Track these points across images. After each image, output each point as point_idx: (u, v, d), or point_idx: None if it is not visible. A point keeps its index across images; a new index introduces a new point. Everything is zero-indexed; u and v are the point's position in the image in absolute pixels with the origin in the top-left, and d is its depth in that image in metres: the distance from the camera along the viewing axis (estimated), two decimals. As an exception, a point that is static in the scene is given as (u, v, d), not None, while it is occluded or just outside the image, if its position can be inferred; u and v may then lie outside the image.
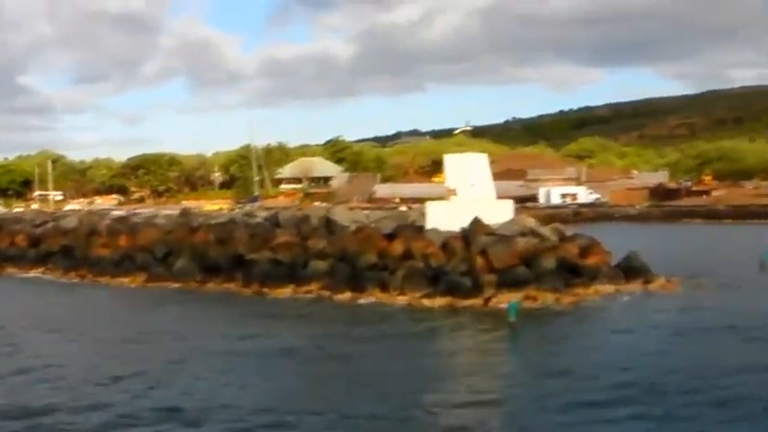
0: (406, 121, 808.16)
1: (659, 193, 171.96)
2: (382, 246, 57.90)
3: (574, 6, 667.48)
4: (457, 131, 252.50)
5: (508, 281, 51.62)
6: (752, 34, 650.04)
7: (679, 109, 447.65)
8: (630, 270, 57.65)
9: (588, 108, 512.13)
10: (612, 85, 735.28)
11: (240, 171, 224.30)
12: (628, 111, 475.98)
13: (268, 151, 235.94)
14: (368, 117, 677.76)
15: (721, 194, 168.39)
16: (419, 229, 58.52)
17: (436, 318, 47.31)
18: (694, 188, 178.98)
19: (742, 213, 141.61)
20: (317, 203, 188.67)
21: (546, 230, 56.65)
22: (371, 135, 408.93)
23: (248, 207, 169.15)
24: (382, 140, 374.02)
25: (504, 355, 38.33)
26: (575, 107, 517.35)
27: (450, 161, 63.58)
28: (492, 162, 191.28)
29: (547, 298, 50.76)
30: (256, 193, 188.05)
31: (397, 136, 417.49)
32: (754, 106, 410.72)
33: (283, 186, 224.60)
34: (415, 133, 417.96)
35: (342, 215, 65.55)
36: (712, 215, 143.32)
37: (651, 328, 43.20)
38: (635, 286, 55.81)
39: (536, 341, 40.89)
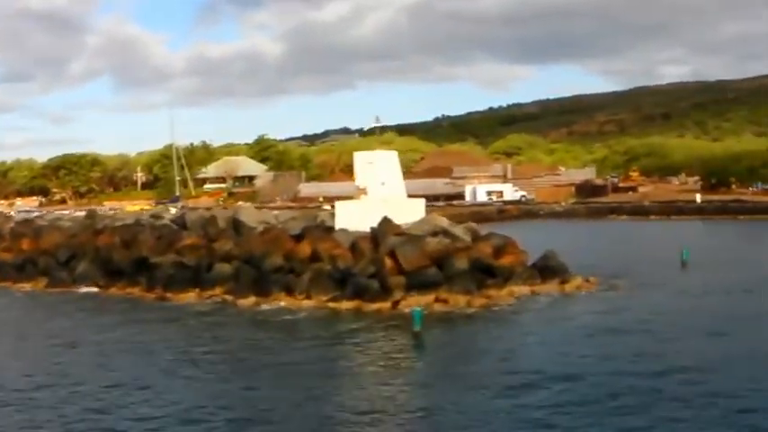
0: (336, 119, 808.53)
1: (585, 189, 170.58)
2: (289, 247, 55.36)
3: (502, 4, 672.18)
4: (367, 128, 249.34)
5: (418, 283, 49.26)
6: (680, 31, 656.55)
7: (608, 105, 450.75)
8: (547, 270, 55.50)
9: (517, 105, 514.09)
10: (541, 83, 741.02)
11: (163, 171, 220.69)
12: (557, 108, 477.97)
13: (191, 151, 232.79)
14: (297, 115, 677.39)
15: (648, 190, 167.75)
16: (328, 230, 56.09)
17: (341, 323, 44.83)
18: (621, 184, 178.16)
19: (668, 209, 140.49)
20: (240, 203, 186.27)
21: (458, 230, 54.35)
22: (300, 134, 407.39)
23: (171, 208, 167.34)
24: (311, 139, 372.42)
25: (406, 363, 35.81)
26: (504, 104, 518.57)
27: (360, 159, 60.96)
28: (419, 160, 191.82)
29: (458, 300, 48.47)
30: (177, 194, 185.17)
31: (327, 134, 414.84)
32: (682, 102, 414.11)
33: (207, 186, 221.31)
34: (344, 131, 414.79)
35: (249, 216, 62.95)
36: (638, 211, 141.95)
37: (560, 332, 41.20)
38: (551, 287, 53.73)
39: (441, 348, 38.44)
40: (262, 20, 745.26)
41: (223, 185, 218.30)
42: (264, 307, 50.36)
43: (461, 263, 50.86)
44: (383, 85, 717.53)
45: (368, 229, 53.57)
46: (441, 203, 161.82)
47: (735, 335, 39.76)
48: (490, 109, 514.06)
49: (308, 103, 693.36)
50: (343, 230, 54.82)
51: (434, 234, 52.82)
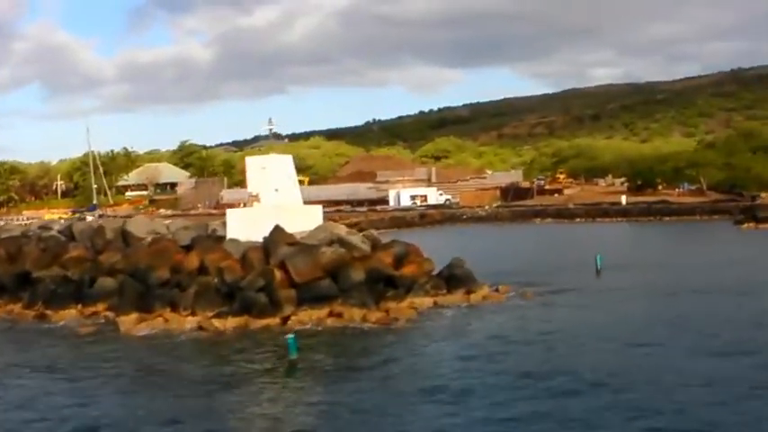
0: (267, 124, 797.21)
1: (511, 192, 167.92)
2: (177, 259, 51.36)
3: (432, 8, 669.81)
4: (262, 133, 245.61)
5: (310, 296, 45.71)
6: (609, 33, 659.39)
7: (538, 108, 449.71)
8: (453, 279, 52.19)
9: (448, 109, 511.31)
10: (472, 86, 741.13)
11: (83, 179, 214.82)
12: (487, 111, 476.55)
13: (112, 158, 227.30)
14: (228, 121, 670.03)
15: (573, 193, 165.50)
16: (219, 240, 52.22)
17: (216, 346, 40.94)
18: (547, 187, 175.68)
19: (593, 212, 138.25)
20: (161, 210, 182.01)
21: (356, 239, 50.67)
22: (231, 139, 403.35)
23: (88, 217, 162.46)
24: (241, 144, 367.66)
25: (275, 394, 32.13)
26: (435, 108, 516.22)
27: (252, 164, 57.01)
28: (344, 164, 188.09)
29: (354, 315, 44.93)
30: (95, 202, 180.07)
31: (257, 140, 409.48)
32: (610, 104, 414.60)
33: (129, 194, 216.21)
34: (275, 136, 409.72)
35: (139, 226, 58.82)
36: (563, 214, 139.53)
37: (455, 349, 38.14)
38: (456, 297, 50.36)
39: (317, 376, 34.46)
40: (192, 25, 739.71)
41: (144, 193, 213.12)
42: (142, 327, 46.16)
43: (358, 274, 47.27)
44: (314, 90, 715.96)
45: (260, 239, 49.80)
46: (363, 209, 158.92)
47: (636, 344, 37.11)
48: (421, 113, 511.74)
49: (239, 108, 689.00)
50: (234, 240, 50.98)
51: (330, 243, 49.13)
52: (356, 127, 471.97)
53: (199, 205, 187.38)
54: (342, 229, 51.70)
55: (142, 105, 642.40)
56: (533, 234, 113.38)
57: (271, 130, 61.42)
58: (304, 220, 52.19)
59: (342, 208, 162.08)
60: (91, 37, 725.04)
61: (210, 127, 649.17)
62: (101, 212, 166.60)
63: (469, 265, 55.18)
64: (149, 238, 55.37)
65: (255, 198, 54.77)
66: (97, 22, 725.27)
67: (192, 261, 50.22)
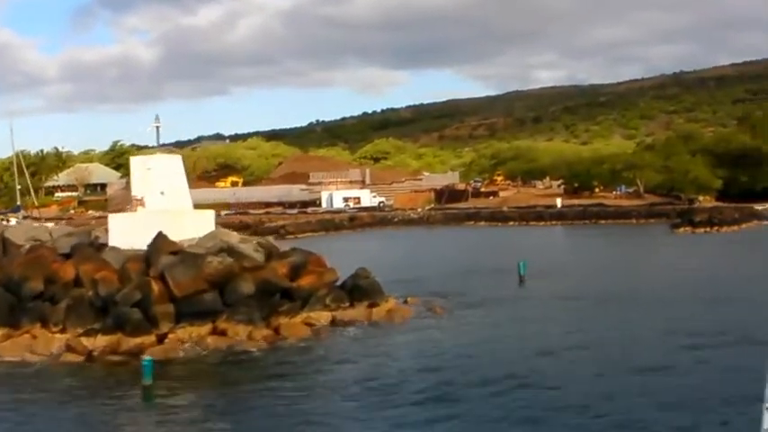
0: (210, 125, 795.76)
1: (445, 195, 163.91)
2: (53, 269, 46.37)
3: (377, 9, 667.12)
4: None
5: (191, 311, 40.97)
6: (554, 36, 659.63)
7: (481, 110, 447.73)
8: (357, 291, 47.68)
9: (392, 110, 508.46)
10: (417, 88, 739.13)
11: (13, 179, 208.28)
12: (431, 112, 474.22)
13: (42, 158, 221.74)
14: (171, 121, 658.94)
15: (508, 195, 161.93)
16: (101, 248, 47.45)
17: (69, 375, 36.08)
18: (483, 189, 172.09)
19: (527, 215, 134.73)
20: (91, 212, 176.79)
21: (248, 247, 46.06)
22: (174, 140, 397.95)
23: (12, 219, 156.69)
24: (184, 145, 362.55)
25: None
26: (378, 109, 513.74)
27: (136, 164, 52.22)
28: (278, 165, 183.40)
29: (239, 332, 40.48)
30: (18, 203, 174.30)
31: (199, 140, 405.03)
32: (553, 106, 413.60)
33: (59, 194, 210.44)
34: (218, 137, 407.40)
35: (19, 232, 54.00)
36: (496, 217, 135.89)
37: (336, 379, 33.55)
38: (358, 312, 45.76)
39: (173, 410, 30.01)
40: (136, 24, 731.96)
41: (74, 194, 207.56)
42: (6, 345, 41.29)
43: (246, 286, 42.74)
44: (258, 91, 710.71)
45: (144, 247, 45.14)
46: (294, 211, 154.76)
47: (550, 369, 33.11)
48: (364, 114, 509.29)
49: (182, 108, 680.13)
50: (115, 249, 46.21)
51: (220, 252, 44.58)
52: (299, 128, 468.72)
53: (128, 207, 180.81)
54: (233, 237, 47.15)
55: (85, 105, 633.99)
56: (463, 238, 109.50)
57: (158, 128, 56.33)
58: (194, 226, 47.53)
59: (271, 210, 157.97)
60: (34, 36, 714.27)
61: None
62: (25, 214, 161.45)
63: (385, 273, 52.22)
64: (27, 246, 50.42)
65: (140, 202, 50.06)
66: (41, 20, 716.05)
67: (68, 271, 45.27)
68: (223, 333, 40.65)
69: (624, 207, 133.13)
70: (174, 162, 51.84)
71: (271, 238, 54.75)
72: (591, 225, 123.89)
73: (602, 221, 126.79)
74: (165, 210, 48.33)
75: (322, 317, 44.13)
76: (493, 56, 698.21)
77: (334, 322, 44.23)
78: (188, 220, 48.06)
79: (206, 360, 37.26)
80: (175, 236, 45.49)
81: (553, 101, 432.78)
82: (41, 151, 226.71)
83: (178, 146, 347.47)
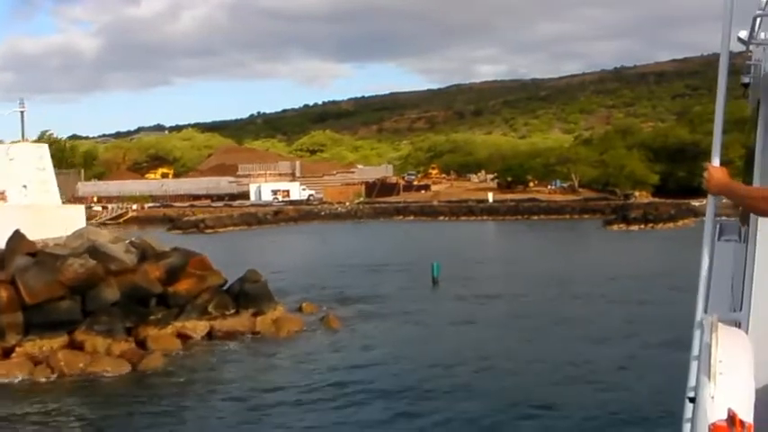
0: (151, 116, 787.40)
1: (376, 188, 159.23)
2: None
3: (320, 2, 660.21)
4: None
5: (44, 321, 36.00)
6: (497, 30, 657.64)
7: (422, 103, 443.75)
8: (244, 297, 42.87)
9: (333, 102, 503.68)
10: (360, 81, 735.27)
11: None
12: (372, 105, 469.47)
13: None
14: (111, 112, 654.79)
15: (440, 189, 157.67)
16: (-44, 248, 42.26)
17: None
18: (416, 182, 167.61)
19: (457, 210, 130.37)
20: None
21: (117, 248, 41.06)
22: (114, 131, 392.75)
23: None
24: (124, 136, 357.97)
25: None
26: (320, 101, 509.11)
27: (-3, 154, 47.06)
28: (207, 156, 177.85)
29: (97, 345, 35.57)
30: None
31: (139, 131, 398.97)
32: (493, 100, 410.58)
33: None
34: (158, 128, 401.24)
35: None
36: (426, 212, 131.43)
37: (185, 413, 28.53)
38: (240, 321, 40.89)
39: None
40: (78, 14, 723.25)
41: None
42: None
43: (110, 292, 37.83)
44: (200, 82, 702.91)
45: (3, 247, 40.12)
46: (219, 204, 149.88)
47: (455, 394, 28.64)
48: (305, 106, 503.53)
49: (124, 99, 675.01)
50: (-32, 249, 41.15)
51: (88, 253, 39.56)
52: (240, 120, 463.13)
53: None
54: (103, 236, 42.14)
55: (26, 95, 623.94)
56: (388, 233, 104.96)
57: (22, 113, 51.20)
58: (61, 223, 42.57)
59: (196, 203, 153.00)
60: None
61: (94, 118, 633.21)
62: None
63: (290, 274, 51.77)
64: None
65: (2, 196, 44.86)
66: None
67: None
68: (80, 346, 35.71)
69: (558, 202, 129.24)
70: (40, 152, 46.71)
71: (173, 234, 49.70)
72: (523, 221, 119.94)
73: (535, 217, 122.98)
74: (27, 205, 43.19)
75: (198, 327, 39.33)
76: (437, 50, 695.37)
77: (211, 334, 39.40)
78: (54, 217, 43.05)
79: (39, 388, 32.09)
80: (39, 234, 40.64)
81: (494, 95, 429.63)
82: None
83: (119, 137, 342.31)
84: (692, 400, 4.83)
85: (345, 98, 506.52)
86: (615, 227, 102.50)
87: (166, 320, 38.70)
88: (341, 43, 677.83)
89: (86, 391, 31.15)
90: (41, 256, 38.70)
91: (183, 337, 38.44)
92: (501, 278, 58.20)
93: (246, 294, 42.72)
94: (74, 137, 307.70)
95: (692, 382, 5.05)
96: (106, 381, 32.62)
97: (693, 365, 5.14)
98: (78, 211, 45.00)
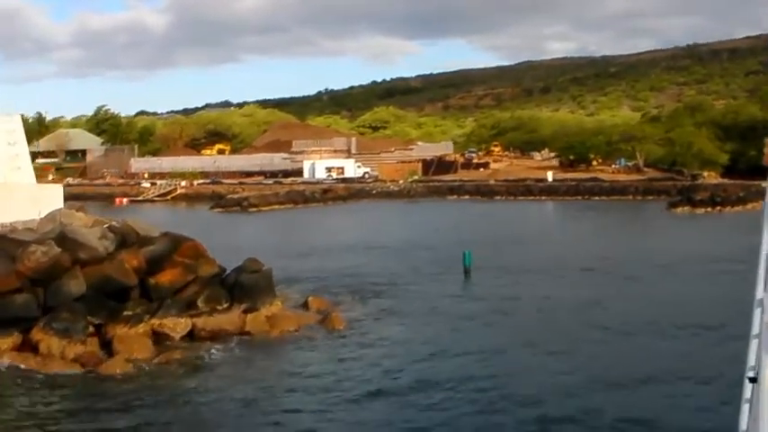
0: (218, 92, 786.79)
1: (433, 166, 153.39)
2: None
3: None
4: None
5: (-5, 318, 31.34)
6: (567, 8, 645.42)
7: (491, 80, 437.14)
8: (239, 289, 37.72)
9: (402, 79, 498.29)
10: (428, 57, 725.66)
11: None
12: (440, 82, 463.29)
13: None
14: (179, 89, 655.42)
15: (499, 167, 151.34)
16: None
17: None
18: (476, 160, 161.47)
19: (514, 189, 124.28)
20: (69, 179, 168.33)
21: (92, 233, 35.98)
22: (181, 107, 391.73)
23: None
24: (192, 112, 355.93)
25: None
26: (387, 78, 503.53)
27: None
28: (263, 132, 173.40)
29: (53, 346, 30.80)
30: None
31: (206, 108, 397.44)
32: (562, 77, 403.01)
33: (39, 161, 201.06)
34: (225, 105, 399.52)
35: None
36: (482, 191, 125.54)
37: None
38: (228, 318, 35.63)
39: None
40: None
41: (55, 160, 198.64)
42: None
43: (75, 285, 33.00)
44: (268, 59, 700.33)
45: (-29, 231, 35.51)
46: (269, 181, 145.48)
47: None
48: (373, 83, 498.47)
49: (191, 76, 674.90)
50: (-70, 233, 36.49)
51: (55, 239, 34.69)
52: (307, 96, 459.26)
53: (107, 174, 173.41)
54: (78, 219, 37.05)
55: (94, 71, 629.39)
56: (434, 214, 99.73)
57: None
58: (33, 204, 37.71)
59: (246, 180, 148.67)
60: (44, 1, 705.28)
61: (162, 94, 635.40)
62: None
63: (309, 261, 48.68)
64: None
65: (-30, 174, 40.13)
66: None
67: None
68: (35, 349, 30.96)
69: (621, 182, 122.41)
70: (11, 125, 41.79)
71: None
72: (583, 201, 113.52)
73: (596, 197, 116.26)
74: (-4, 184, 38.47)
75: (178, 325, 34.27)
76: (506, 27, 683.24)
77: (192, 333, 34.28)
78: (26, 197, 38.16)
79: None
80: (8, 216, 35.88)
81: (563, 72, 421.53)
82: (21, 116, 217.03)
83: (187, 113, 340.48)
84: (753, 380, 4.96)
85: (413, 75, 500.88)
86: (680, 209, 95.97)
87: (140, 318, 33.65)
88: (409, 20, 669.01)
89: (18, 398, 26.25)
90: (1, 242, 33.90)
91: (159, 336, 33.54)
92: (544, 267, 52.52)
93: (242, 286, 37.60)
94: (141, 113, 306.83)
95: (751, 361, 5.21)
96: (46, 388, 27.71)
97: (753, 344, 5.23)
98: (55, 191, 40.01)
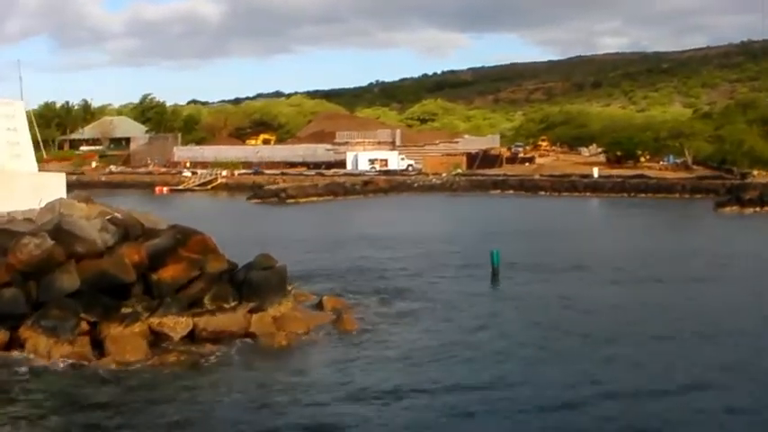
0: (270, 82, 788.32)
1: (478, 159, 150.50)
2: None
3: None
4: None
5: (-20, 315, 29.46)
6: (620, 3, 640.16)
7: (542, 74, 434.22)
8: (248, 287, 35.60)
9: (452, 72, 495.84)
10: (480, 51, 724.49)
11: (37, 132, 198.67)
12: (492, 75, 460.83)
13: (67, 110, 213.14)
14: (232, 78, 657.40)
15: (544, 162, 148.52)
16: None
17: None
18: (523, 154, 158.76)
19: (558, 185, 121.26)
20: (112, 167, 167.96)
21: (92, 225, 33.97)
22: (233, 96, 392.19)
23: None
24: (242, 102, 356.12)
25: None
26: (438, 71, 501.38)
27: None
28: (308, 122, 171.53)
29: (40, 345, 28.98)
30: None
31: (257, 98, 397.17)
32: (613, 72, 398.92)
33: (83, 148, 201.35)
34: (276, 95, 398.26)
35: None
36: (525, 186, 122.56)
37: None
38: (232, 319, 33.30)
39: None
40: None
41: (99, 148, 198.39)
42: None
43: (69, 280, 31.09)
44: (321, 50, 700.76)
45: (-34, 220, 33.69)
46: (311, 172, 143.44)
47: None
48: (424, 75, 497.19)
49: (244, 66, 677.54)
50: None
51: (49, 231, 32.76)
52: (358, 88, 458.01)
53: (150, 162, 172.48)
54: (79, 210, 34.98)
55: (150, 60, 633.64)
56: (475, 208, 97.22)
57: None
58: (34, 193, 35.83)
59: (288, 171, 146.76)
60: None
61: (215, 83, 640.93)
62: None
63: (334, 256, 47.16)
64: None
65: (-34, 160, 38.28)
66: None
67: None
68: (23, 345, 29.11)
69: (668, 180, 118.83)
70: (11, 110, 39.86)
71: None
72: (628, 199, 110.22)
73: (642, 195, 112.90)
74: (-4, 171, 36.58)
75: (178, 325, 32.07)
76: (558, 22, 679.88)
77: (193, 334, 32.13)
78: (26, 186, 36.26)
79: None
80: (6, 206, 33.99)
81: (615, 67, 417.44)
82: (67, 103, 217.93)
83: (237, 103, 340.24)
84: None
85: (464, 68, 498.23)
86: (727, 209, 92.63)
87: (137, 316, 31.63)
88: (462, 13, 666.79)
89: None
90: (-5, 234, 32.06)
91: (159, 336, 31.50)
92: (580, 266, 50.09)
93: (251, 284, 35.44)
94: (192, 102, 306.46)
95: None
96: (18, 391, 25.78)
97: None
98: (58, 179, 38.07)
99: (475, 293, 42.14)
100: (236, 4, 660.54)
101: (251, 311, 33.70)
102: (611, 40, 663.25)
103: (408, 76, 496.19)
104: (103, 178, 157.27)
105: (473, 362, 29.19)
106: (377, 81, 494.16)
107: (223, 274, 35.77)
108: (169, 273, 33.53)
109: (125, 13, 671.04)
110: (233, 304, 34.51)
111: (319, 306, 37.62)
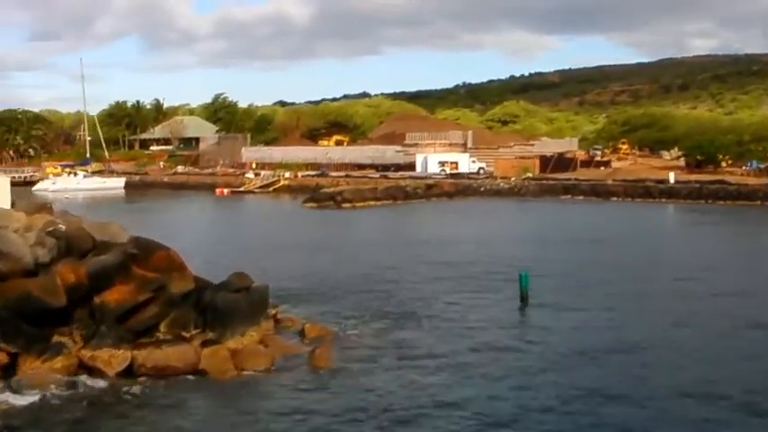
0: (356, 84, 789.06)
1: (551, 163, 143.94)
2: None
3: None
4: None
5: None
6: (711, 5, 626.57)
7: (630, 77, 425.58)
8: (212, 312, 30.54)
9: (539, 74, 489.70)
10: (567, 53, 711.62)
11: (107, 131, 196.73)
12: (578, 77, 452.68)
13: (138, 109, 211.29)
14: (318, 79, 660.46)
15: (620, 166, 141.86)
16: None
17: None
18: (598, 158, 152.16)
19: (632, 190, 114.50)
20: (179, 168, 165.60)
21: (24, 238, 29.17)
22: (320, 97, 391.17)
23: (79, 172, 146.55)
24: (329, 103, 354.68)
25: None
26: (526, 73, 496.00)
27: None
28: (379, 124, 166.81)
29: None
30: (88, 156, 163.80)
31: (344, 98, 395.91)
32: (702, 74, 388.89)
33: (153, 148, 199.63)
34: (362, 96, 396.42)
35: None
36: (597, 191, 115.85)
37: None
38: (181, 351, 28.06)
39: None
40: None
41: (169, 147, 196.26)
42: None
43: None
44: (408, 51, 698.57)
45: None
46: (376, 175, 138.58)
47: None
48: (511, 77, 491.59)
49: (331, 67, 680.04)
50: None
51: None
52: (444, 90, 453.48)
53: (220, 162, 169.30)
54: (15, 221, 30.12)
55: (237, 61, 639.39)
56: (538, 216, 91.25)
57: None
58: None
59: (352, 173, 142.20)
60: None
61: (302, 84, 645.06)
62: (95, 168, 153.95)
63: (350, 272, 42.90)
64: None
65: None
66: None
67: None
68: None
69: (749, 186, 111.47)
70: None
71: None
72: (706, 205, 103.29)
73: (720, 202, 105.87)
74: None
75: (114, 358, 27.07)
76: (647, 23, 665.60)
77: (131, 369, 27.09)
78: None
79: None
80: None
81: (704, 69, 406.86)
82: (138, 102, 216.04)
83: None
84: None
85: (551, 70, 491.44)
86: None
87: (59, 349, 26.73)
88: (549, 15, 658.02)
89: None
90: None
91: (91, 370, 26.54)
92: (626, 292, 43.97)
93: (215, 309, 30.35)
94: (279, 103, 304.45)
95: None
96: None
97: None
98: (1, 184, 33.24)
99: (497, 323, 36.03)
100: (323, 5, 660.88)
101: (204, 344, 28.50)
102: (701, 41, 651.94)
103: (495, 77, 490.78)
104: (166, 179, 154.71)
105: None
106: (463, 83, 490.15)
107: (188, 295, 30.72)
108: (113, 296, 28.55)
109: (214, 14, 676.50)
110: (194, 332, 29.48)
111: (301, 334, 32.37)
